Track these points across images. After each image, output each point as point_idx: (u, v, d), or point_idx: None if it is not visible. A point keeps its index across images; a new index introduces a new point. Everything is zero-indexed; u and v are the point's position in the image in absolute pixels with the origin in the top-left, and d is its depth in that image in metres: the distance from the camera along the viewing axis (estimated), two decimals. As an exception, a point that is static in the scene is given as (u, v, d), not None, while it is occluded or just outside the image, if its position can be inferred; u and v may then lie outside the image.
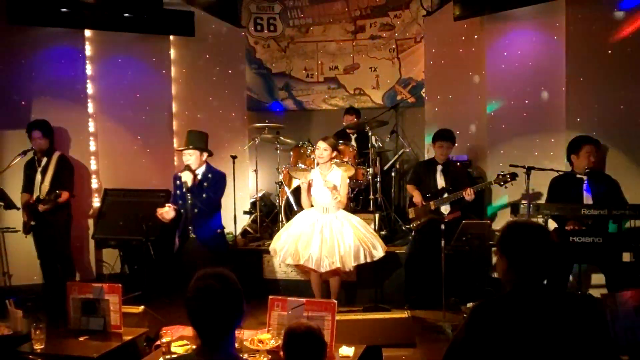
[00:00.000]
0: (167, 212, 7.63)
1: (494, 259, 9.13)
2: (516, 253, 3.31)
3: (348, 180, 8.29)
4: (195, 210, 7.56)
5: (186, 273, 7.76)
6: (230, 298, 3.11)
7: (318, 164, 8.08)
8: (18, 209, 8.59)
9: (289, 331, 3.98)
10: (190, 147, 7.57)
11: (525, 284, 3.28)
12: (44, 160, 8.87)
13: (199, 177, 7.62)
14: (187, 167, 7.50)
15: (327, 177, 7.86)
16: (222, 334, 3.14)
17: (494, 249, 8.81)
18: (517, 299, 3.27)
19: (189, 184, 7.43)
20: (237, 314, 3.14)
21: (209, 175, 7.63)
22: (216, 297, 3.07)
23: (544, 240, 3.33)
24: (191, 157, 7.55)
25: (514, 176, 7.90)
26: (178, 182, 7.68)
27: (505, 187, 8.26)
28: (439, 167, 8.62)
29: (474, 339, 3.24)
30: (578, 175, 7.69)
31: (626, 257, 7.22)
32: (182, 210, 7.67)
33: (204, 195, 7.53)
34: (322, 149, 7.86)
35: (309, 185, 7.92)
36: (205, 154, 7.69)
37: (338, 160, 8.94)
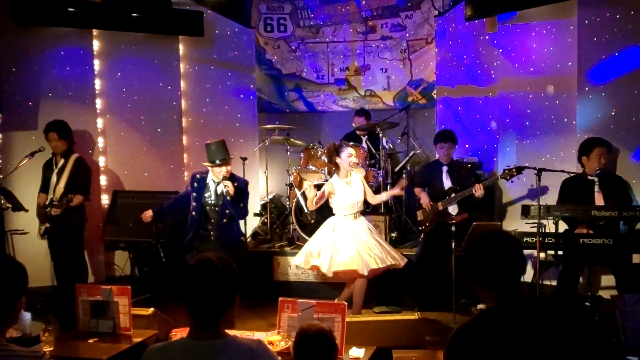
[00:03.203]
0: (146, 216, 7.88)
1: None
2: (474, 263, 3.20)
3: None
4: (224, 220, 7.61)
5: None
6: (226, 278, 3.22)
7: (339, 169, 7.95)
8: (26, 210, 8.58)
9: (301, 332, 3.98)
10: (229, 162, 7.62)
11: (495, 298, 3.15)
12: (61, 161, 8.86)
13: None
14: (226, 178, 7.52)
15: (353, 182, 7.87)
16: (214, 314, 3.23)
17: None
18: (491, 319, 3.14)
19: (232, 193, 7.44)
20: (229, 295, 3.25)
21: (235, 185, 7.63)
22: (214, 273, 3.18)
23: (502, 248, 3.16)
24: (228, 167, 7.57)
25: (519, 170, 7.88)
26: (197, 184, 7.71)
27: (512, 182, 8.24)
28: (445, 168, 8.62)
29: None
30: (589, 177, 7.70)
31: (636, 258, 7.22)
32: (193, 213, 7.68)
33: (242, 204, 7.55)
34: (355, 155, 7.89)
35: (324, 194, 7.81)
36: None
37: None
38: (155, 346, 3.40)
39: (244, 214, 7.70)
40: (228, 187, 7.43)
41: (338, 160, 7.87)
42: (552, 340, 3.01)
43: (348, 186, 7.84)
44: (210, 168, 7.66)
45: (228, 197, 7.48)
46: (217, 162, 7.54)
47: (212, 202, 7.63)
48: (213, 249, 7.42)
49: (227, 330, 3.32)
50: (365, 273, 7.53)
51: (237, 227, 7.84)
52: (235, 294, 3.28)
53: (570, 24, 8.69)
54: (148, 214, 7.89)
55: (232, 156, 7.80)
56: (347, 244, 7.62)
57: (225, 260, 3.25)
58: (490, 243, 3.19)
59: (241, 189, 7.66)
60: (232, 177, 7.68)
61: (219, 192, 7.58)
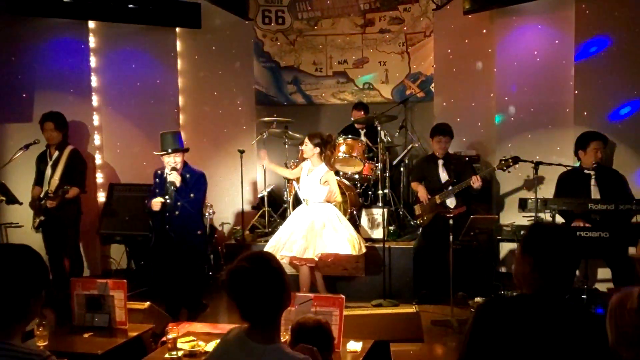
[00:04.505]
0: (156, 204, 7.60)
1: (502, 254, 9.15)
2: (544, 254, 3.15)
3: (336, 178, 8.40)
4: (177, 213, 7.56)
5: (162, 272, 7.75)
6: (264, 276, 3.09)
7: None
8: (20, 203, 8.54)
9: (298, 326, 3.96)
10: (177, 151, 7.53)
11: (548, 288, 3.15)
12: (56, 154, 8.81)
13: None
14: (174, 169, 7.47)
15: (313, 172, 8.05)
16: (263, 317, 3.13)
17: (501, 243, 8.87)
18: (530, 302, 3.17)
19: (177, 184, 7.43)
20: (274, 292, 3.12)
21: (187, 176, 7.61)
22: (247, 277, 3.07)
23: (572, 243, 3.23)
24: (177, 158, 7.51)
25: (516, 160, 7.90)
26: (158, 180, 7.70)
27: (509, 172, 8.25)
28: (440, 162, 8.64)
29: (480, 335, 3.15)
30: (586, 171, 7.74)
31: (632, 251, 7.25)
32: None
33: (191, 195, 7.52)
34: (304, 144, 8.15)
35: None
36: (184, 154, 7.70)
37: (347, 156, 8.99)
38: (229, 332, 3.35)
39: (194, 205, 7.62)
40: (173, 176, 7.43)
41: None
42: (580, 339, 3.04)
43: (306, 173, 8.13)
44: (162, 159, 7.62)
45: (172, 187, 7.46)
46: (169, 150, 7.50)
47: (169, 194, 7.58)
48: (171, 245, 7.59)
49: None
50: (305, 257, 7.83)
51: (193, 221, 7.74)
52: (282, 292, 3.14)
53: (568, 16, 8.68)
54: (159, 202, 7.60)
55: (186, 148, 7.72)
56: (295, 232, 7.95)
57: (261, 260, 3.15)
58: (564, 238, 3.21)
59: (191, 179, 7.62)
60: (186, 169, 7.64)
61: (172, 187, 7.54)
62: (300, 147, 9.70)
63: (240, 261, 3.13)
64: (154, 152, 7.81)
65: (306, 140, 8.07)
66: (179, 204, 7.53)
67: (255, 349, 3.10)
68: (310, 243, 7.78)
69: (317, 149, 8.00)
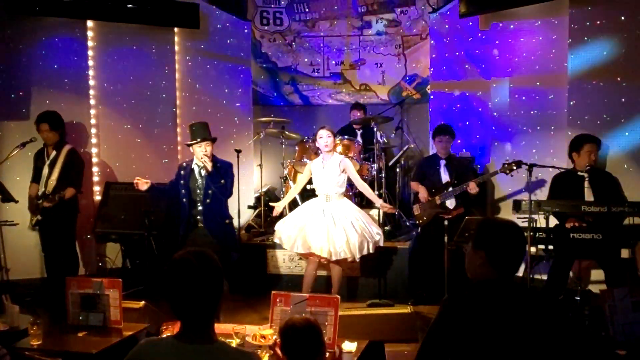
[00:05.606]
0: (141, 183, 7.64)
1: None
2: (495, 248, 3.42)
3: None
4: (208, 201, 7.54)
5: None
6: (207, 275, 3.08)
7: (321, 152, 8.13)
8: (16, 202, 8.52)
9: (287, 326, 3.97)
10: (209, 139, 7.53)
11: (501, 278, 3.41)
12: (53, 153, 8.76)
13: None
14: (205, 156, 7.47)
15: (328, 164, 7.97)
16: (199, 315, 3.11)
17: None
18: (491, 291, 3.41)
19: (209, 168, 7.38)
20: (213, 292, 3.11)
21: (218, 165, 7.59)
22: (192, 273, 3.05)
23: (520, 236, 3.50)
24: (208, 148, 7.51)
25: (519, 164, 7.86)
26: (183, 172, 7.67)
27: (512, 176, 8.22)
28: (442, 162, 8.65)
29: (447, 330, 3.34)
30: (579, 173, 7.73)
31: (625, 253, 7.28)
32: (184, 200, 7.62)
33: (222, 181, 7.53)
34: (326, 136, 7.95)
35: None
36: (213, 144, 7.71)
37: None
38: (145, 341, 3.33)
39: (225, 191, 7.63)
40: (205, 161, 7.40)
41: (317, 144, 8.17)
42: (538, 318, 3.28)
43: (322, 168, 8.01)
44: (192, 149, 7.62)
45: (204, 172, 7.46)
46: (198, 139, 7.50)
47: (198, 185, 7.60)
48: (202, 236, 7.46)
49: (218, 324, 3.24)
50: (334, 259, 7.78)
51: (223, 209, 7.74)
52: (219, 292, 3.14)
53: (562, 20, 8.70)
54: (144, 183, 7.63)
55: (214, 137, 7.68)
56: (319, 228, 7.80)
57: (205, 257, 3.13)
58: (511, 232, 3.49)
59: (222, 168, 7.62)
60: (214, 159, 7.59)
61: (203, 173, 7.54)
62: (296, 148, 9.75)
63: (185, 255, 3.12)
64: (185, 143, 7.76)
65: (322, 132, 7.96)
66: (210, 192, 7.51)
67: (196, 351, 3.09)
68: (341, 244, 7.71)
69: (335, 139, 8.10)
